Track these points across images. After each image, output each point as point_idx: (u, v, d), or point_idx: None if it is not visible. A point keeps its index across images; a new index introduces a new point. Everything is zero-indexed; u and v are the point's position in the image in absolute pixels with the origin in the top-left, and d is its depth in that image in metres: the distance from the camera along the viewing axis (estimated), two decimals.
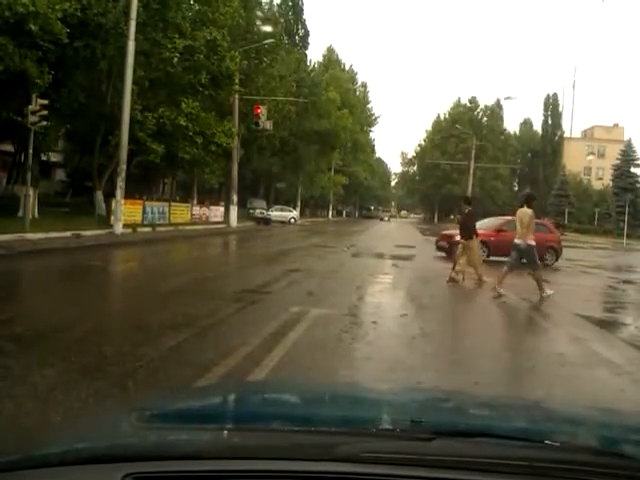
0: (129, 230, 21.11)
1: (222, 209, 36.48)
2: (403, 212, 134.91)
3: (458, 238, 18.87)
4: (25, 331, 6.04)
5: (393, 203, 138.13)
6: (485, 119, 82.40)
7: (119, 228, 19.91)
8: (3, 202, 22.20)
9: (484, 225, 19.54)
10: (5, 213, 19.13)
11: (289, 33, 52.18)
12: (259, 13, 38.28)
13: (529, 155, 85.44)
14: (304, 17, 57.38)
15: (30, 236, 15.52)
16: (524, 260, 11.61)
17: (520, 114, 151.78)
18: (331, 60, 72.18)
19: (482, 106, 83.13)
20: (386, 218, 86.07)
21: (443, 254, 18.80)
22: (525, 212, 11.20)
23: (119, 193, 20.13)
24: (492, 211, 78.42)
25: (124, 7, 20.08)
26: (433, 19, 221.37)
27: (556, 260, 19.80)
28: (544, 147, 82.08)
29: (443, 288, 12.20)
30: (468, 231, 13.26)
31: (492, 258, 17.48)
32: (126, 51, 19.53)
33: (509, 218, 21.18)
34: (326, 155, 57.15)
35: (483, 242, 17.63)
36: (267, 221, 40.49)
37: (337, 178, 65.38)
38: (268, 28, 35.12)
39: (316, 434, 1.26)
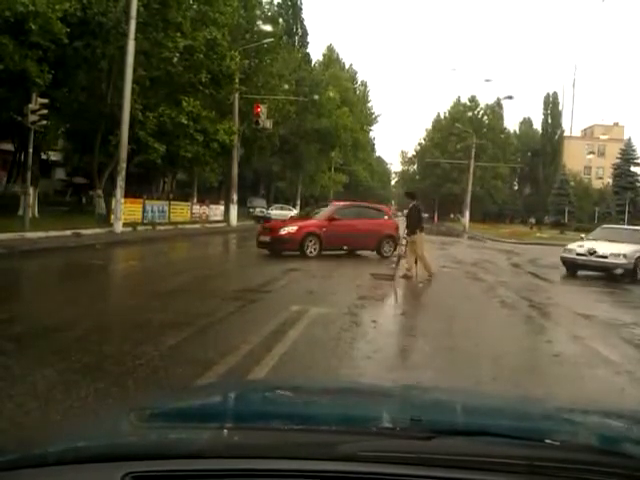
0: (129, 229, 21.11)
1: (222, 208, 36.45)
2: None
3: (299, 229, 16.10)
4: (25, 330, 6.05)
5: (393, 202, 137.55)
6: (485, 118, 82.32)
7: (119, 227, 19.92)
8: (3, 201, 22.19)
9: (318, 215, 17.31)
10: (5, 212, 19.12)
11: (288, 33, 52.11)
12: (258, 12, 38.22)
13: (529, 154, 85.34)
14: (302, 17, 57.35)
15: (30, 235, 15.51)
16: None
17: (520, 113, 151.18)
18: (331, 59, 72.07)
19: (482, 105, 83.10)
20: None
21: (294, 252, 15.68)
22: None
23: (119, 192, 20.13)
24: (492, 210, 78.74)
25: (125, 7, 20.08)
26: (433, 18, 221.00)
27: (394, 250, 16.52)
28: (544, 146, 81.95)
29: (442, 287, 12.20)
30: (413, 227, 13.10)
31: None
32: (126, 50, 19.53)
33: (341, 204, 18.41)
34: (326, 154, 57.11)
35: (314, 234, 15.96)
36: (267, 220, 40.43)
37: (337, 177, 65.31)
38: (268, 27, 35.09)
39: (316, 433, 1.26)
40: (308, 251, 15.85)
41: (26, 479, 1.13)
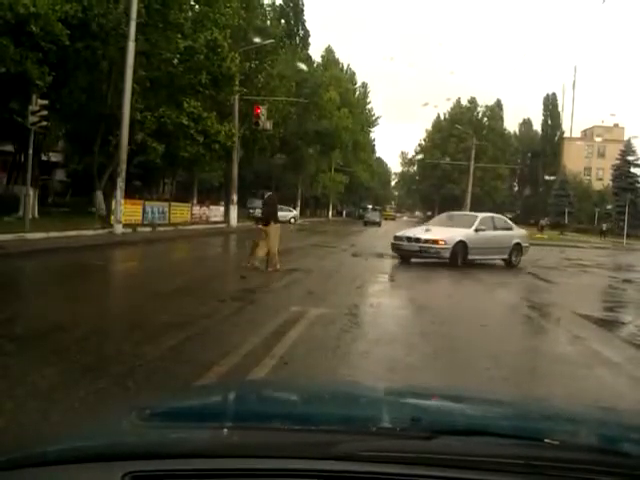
0: (129, 230, 21.10)
1: (222, 209, 36.46)
2: (417, 213, 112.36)
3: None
4: (25, 331, 6.04)
5: (393, 203, 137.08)
6: (485, 119, 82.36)
7: (119, 228, 19.91)
8: (3, 202, 22.19)
9: None
10: (5, 213, 19.12)
11: (289, 34, 52.17)
12: (260, 13, 38.23)
13: (529, 155, 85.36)
14: (304, 18, 57.40)
15: (30, 236, 15.50)
16: None
17: (520, 114, 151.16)
18: (330, 60, 72.03)
19: (482, 106, 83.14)
20: (377, 219, 56.41)
21: None
22: None
23: (119, 193, 20.11)
24: (492, 211, 78.53)
25: (125, 8, 20.10)
26: (432, 19, 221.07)
27: None
28: (544, 147, 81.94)
29: (444, 287, 12.20)
30: (267, 217, 12.90)
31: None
32: (126, 51, 19.54)
33: None
34: (327, 155, 57.13)
35: None
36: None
37: (338, 177, 65.35)
38: (268, 29, 35.08)
39: (316, 433, 1.26)
40: None
41: (27, 478, 1.14)
